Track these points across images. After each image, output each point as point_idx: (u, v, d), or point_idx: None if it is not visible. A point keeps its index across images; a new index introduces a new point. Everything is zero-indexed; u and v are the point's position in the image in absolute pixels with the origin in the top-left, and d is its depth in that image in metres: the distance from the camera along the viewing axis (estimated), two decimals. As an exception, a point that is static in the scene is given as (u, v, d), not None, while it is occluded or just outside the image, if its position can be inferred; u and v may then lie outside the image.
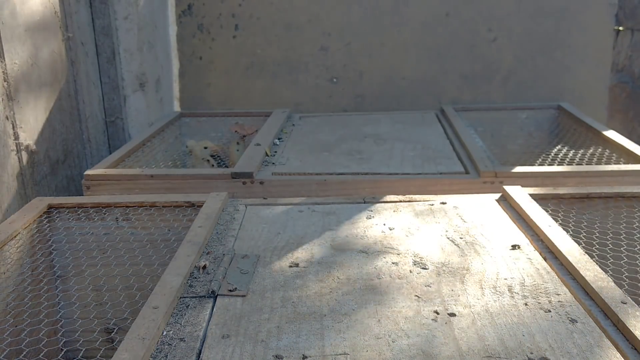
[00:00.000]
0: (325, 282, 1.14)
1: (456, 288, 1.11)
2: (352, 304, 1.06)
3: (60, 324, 1.40)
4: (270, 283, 1.15)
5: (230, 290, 1.11)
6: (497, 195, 1.57)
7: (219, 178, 1.88)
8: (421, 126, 2.51)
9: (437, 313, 1.03)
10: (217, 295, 1.10)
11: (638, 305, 1.01)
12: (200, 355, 0.93)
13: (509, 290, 1.10)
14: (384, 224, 1.41)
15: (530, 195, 1.50)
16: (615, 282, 1.08)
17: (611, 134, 2.20)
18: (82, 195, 1.94)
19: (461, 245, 1.29)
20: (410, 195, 1.59)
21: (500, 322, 1.00)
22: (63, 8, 2.18)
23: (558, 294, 1.08)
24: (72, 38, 2.24)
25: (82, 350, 1.27)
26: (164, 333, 0.98)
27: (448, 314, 1.03)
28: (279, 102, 3.14)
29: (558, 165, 2.06)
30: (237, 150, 2.36)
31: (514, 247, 1.27)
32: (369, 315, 1.03)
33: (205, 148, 2.36)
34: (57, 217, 1.51)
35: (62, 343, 1.43)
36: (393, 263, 1.22)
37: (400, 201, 1.55)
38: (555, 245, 1.22)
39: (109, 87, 2.52)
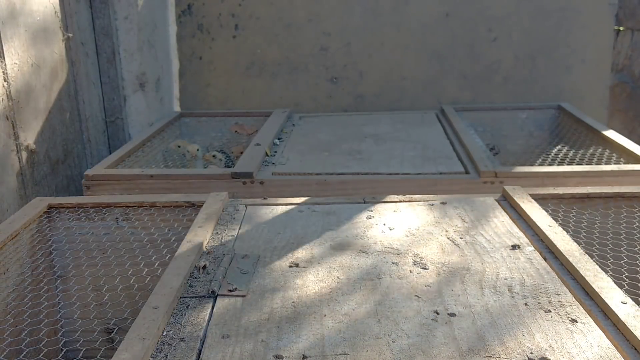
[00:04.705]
0: (325, 282, 1.14)
1: (456, 288, 1.11)
2: (352, 304, 1.06)
3: (60, 324, 1.40)
4: (270, 283, 1.15)
5: (230, 290, 1.11)
6: (497, 195, 1.57)
7: (219, 178, 1.88)
8: (421, 126, 2.51)
9: (437, 313, 1.03)
10: (217, 295, 1.10)
11: (638, 305, 1.01)
12: (200, 355, 0.93)
13: (509, 290, 1.10)
14: (384, 224, 1.41)
15: (530, 195, 1.50)
16: (615, 282, 1.08)
17: (611, 134, 2.20)
18: (82, 195, 1.94)
19: (461, 245, 1.29)
20: (410, 195, 1.59)
21: (500, 322, 1.00)
22: (63, 8, 2.18)
23: (558, 294, 1.08)
24: (72, 38, 2.24)
25: (82, 350, 1.27)
26: (164, 333, 0.98)
27: (448, 314, 1.03)
28: (279, 102, 3.14)
29: (558, 165, 2.06)
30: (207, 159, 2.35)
31: (514, 247, 1.27)
32: (369, 315, 1.03)
33: (214, 156, 2.37)
34: (57, 217, 1.51)
35: (62, 343, 1.43)
36: (393, 263, 1.22)
37: (400, 201, 1.55)
38: (555, 245, 1.22)
39: (109, 87, 2.52)
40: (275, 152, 2.18)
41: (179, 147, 2.31)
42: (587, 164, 1.98)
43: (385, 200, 1.56)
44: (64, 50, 2.20)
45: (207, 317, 1.03)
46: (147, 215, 1.50)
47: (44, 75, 2.04)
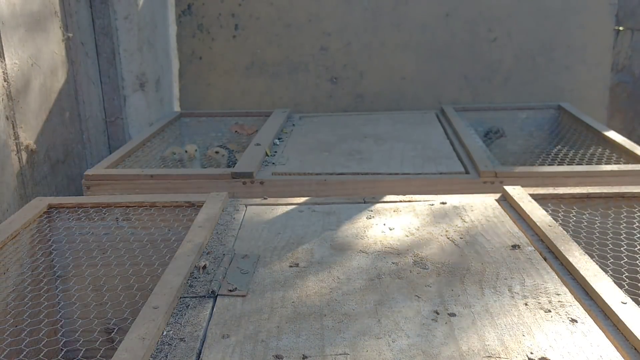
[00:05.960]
0: (325, 282, 1.14)
1: (456, 288, 1.11)
2: (352, 304, 1.06)
3: (60, 324, 1.40)
4: (270, 283, 1.15)
5: (230, 290, 1.11)
6: (497, 195, 1.57)
7: (219, 178, 1.88)
8: (421, 126, 2.51)
9: (437, 313, 1.03)
10: (217, 295, 1.10)
11: (638, 305, 1.01)
12: (200, 355, 0.93)
13: (509, 290, 1.10)
14: (384, 224, 1.41)
15: (530, 195, 1.50)
16: (615, 282, 1.08)
17: (611, 134, 2.20)
18: (82, 195, 1.94)
19: (461, 245, 1.29)
20: (410, 195, 1.59)
21: (500, 322, 1.00)
22: (63, 8, 2.18)
23: (558, 294, 1.08)
24: (72, 38, 2.24)
25: (82, 350, 1.27)
26: (164, 333, 0.98)
27: (448, 314, 1.03)
28: (279, 102, 3.14)
29: (558, 165, 2.06)
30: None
31: (514, 247, 1.27)
32: (369, 315, 1.03)
33: (217, 152, 2.37)
34: (57, 217, 1.51)
35: (62, 343, 1.43)
36: (393, 263, 1.22)
37: (400, 201, 1.55)
38: (555, 245, 1.22)
39: (109, 87, 2.52)
40: (275, 152, 2.18)
41: (174, 153, 2.31)
42: (587, 164, 1.98)
43: (385, 200, 1.56)
44: (64, 50, 2.20)
45: (207, 317, 1.03)
46: (147, 215, 1.50)
47: (44, 75, 2.04)
